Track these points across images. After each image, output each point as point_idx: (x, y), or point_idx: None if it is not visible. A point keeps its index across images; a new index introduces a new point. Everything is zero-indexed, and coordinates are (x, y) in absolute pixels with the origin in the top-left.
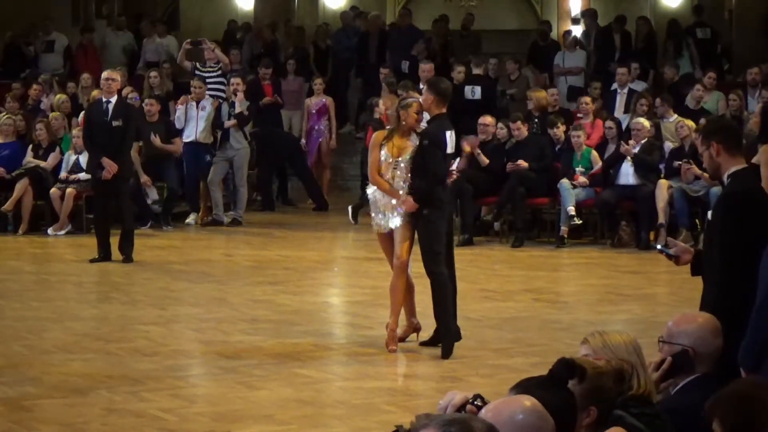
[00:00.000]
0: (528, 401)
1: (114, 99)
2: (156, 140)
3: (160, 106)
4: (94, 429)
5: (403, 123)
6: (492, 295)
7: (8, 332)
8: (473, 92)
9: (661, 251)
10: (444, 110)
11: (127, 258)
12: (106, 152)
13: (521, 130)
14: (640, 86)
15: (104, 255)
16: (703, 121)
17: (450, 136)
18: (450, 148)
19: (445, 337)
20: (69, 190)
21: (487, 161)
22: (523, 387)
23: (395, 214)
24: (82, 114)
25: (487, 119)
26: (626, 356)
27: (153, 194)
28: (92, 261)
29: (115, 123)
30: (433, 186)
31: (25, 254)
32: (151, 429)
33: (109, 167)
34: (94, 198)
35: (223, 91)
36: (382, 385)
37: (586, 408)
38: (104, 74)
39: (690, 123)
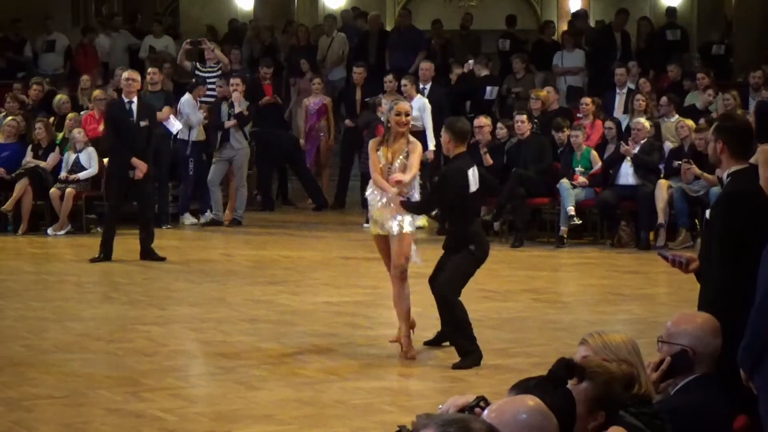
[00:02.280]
0: (531, 401)
1: (135, 99)
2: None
3: (164, 76)
4: (94, 429)
5: (389, 126)
6: (492, 295)
7: (8, 332)
8: (492, 93)
9: (671, 260)
10: (464, 149)
11: (150, 253)
12: (133, 153)
13: (525, 124)
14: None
15: (105, 255)
16: (702, 121)
17: (473, 173)
18: (474, 185)
19: (466, 357)
20: (69, 190)
21: (491, 162)
22: (523, 387)
23: (395, 219)
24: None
25: (482, 120)
26: (626, 356)
27: (176, 125)
28: (93, 261)
29: (142, 123)
30: (428, 205)
31: (24, 254)
32: (151, 429)
33: (141, 167)
34: (111, 198)
35: None
36: (381, 385)
37: (595, 412)
38: (125, 74)
39: (690, 123)
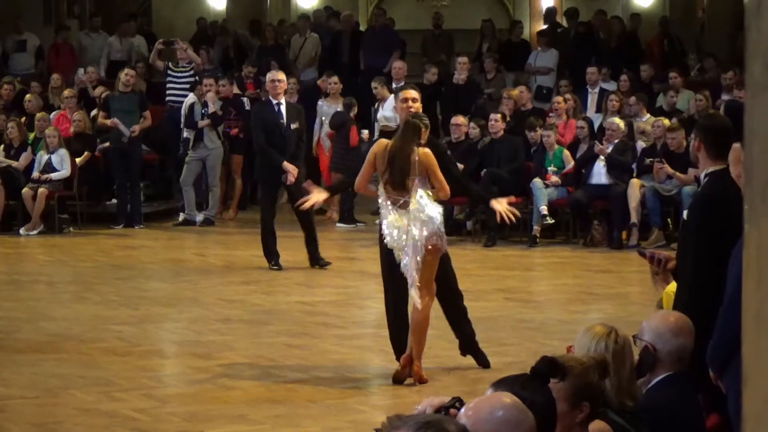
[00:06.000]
0: (507, 398)
1: (283, 101)
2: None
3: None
4: (67, 429)
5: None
6: (464, 295)
7: None
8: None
9: (649, 257)
10: None
11: (318, 259)
12: (284, 156)
13: (499, 123)
14: (612, 86)
15: (275, 262)
16: (675, 120)
17: None
18: None
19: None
20: (41, 190)
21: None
22: (506, 384)
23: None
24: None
25: (459, 119)
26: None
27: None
28: (272, 268)
29: (293, 126)
30: None
31: None
32: (123, 429)
33: (292, 171)
34: (263, 203)
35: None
36: (354, 385)
37: (579, 405)
38: (269, 75)
39: (666, 122)
